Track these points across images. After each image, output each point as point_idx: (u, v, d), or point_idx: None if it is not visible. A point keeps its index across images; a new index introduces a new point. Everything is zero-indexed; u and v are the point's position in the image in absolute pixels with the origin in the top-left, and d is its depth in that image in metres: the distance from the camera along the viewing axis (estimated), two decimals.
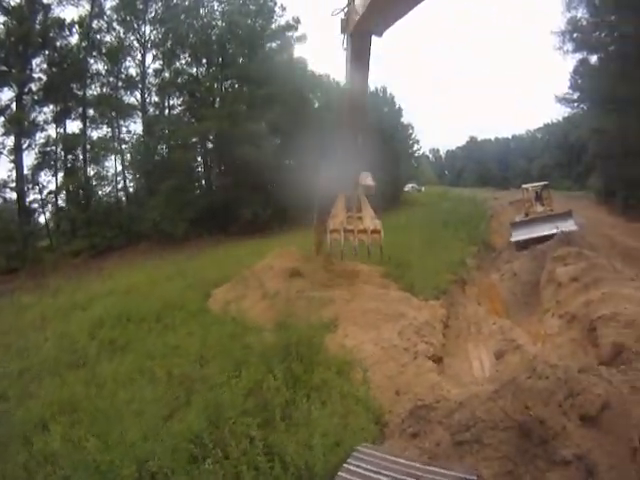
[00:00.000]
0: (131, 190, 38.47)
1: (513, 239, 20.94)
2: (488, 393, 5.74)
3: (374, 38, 7.66)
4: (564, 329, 10.63)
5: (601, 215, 31.32)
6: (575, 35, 31.97)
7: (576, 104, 43.07)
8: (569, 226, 20.04)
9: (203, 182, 38.43)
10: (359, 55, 8.23)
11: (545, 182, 27.17)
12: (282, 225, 31.16)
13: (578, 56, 34.96)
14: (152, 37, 37.17)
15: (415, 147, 47.07)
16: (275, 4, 39.03)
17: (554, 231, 19.31)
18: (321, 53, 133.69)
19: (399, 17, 6.56)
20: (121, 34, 36.63)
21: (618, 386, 5.82)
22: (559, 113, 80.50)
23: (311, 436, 5.45)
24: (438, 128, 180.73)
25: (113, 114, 36.60)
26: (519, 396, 5.29)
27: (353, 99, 9.04)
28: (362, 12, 6.88)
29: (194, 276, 16.15)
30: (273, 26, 39.02)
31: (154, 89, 37.87)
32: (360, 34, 7.73)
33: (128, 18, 36.30)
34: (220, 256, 21.54)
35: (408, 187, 48.14)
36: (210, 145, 37.94)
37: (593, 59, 34.36)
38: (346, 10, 8.31)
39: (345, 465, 4.70)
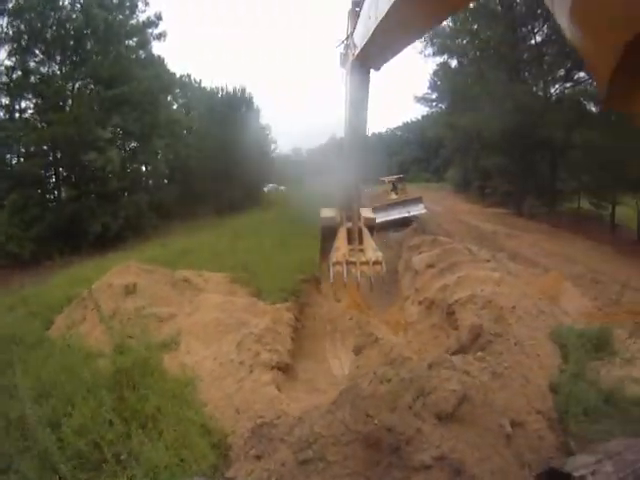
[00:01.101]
0: None
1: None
2: (327, 405, 5.04)
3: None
4: (424, 316, 10.57)
5: (458, 203, 33.58)
6: (436, 40, 33.86)
7: (434, 103, 46.82)
8: (419, 210, 23.22)
9: (54, 195, 34.49)
10: (358, 88, 8.22)
11: (400, 175, 31.04)
12: (136, 236, 28.94)
13: (438, 59, 37.53)
14: (8, 30, 31.95)
15: (272, 147, 46.58)
16: None
17: (406, 214, 22.27)
18: (185, 52, 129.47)
19: (397, 52, 6.43)
20: None
21: (477, 375, 5.53)
22: (418, 112, 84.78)
23: (145, 474, 4.83)
24: (302, 128, 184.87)
25: None
26: (359, 405, 4.71)
27: (353, 131, 8.97)
28: (360, 46, 6.51)
29: (38, 303, 14.33)
30: (133, 22, 35.63)
31: (5, 89, 33.17)
32: (358, 68, 7.79)
33: None
34: (69, 277, 19.49)
35: (269, 187, 47.78)
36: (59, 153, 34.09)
37: (453, 63, 37.35)
38: (345, 44, 8.52)
39: None
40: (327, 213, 10.75)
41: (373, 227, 10.72)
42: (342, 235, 9.62)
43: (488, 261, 12.73)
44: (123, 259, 15.43)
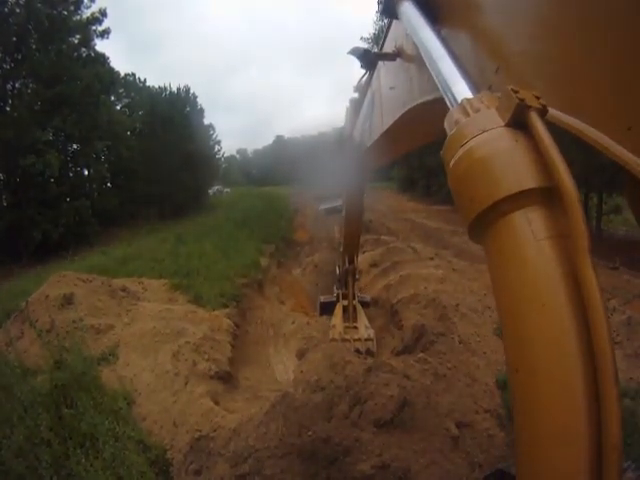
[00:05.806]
0: None
1: (321, 207, 23.03)
2: (260, 416, 4.87)
3: None
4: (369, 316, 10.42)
5: (403, 202, 33.79)
6: None
7: None
8: None
9: None
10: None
11: None
12: (78, 243, 27.50)
13: None
14: None
15: (217, 148, 45.45)
16: None
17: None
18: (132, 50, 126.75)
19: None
20: None
21: (418, 378, 5.46)
22: None
23: None
24: (248, 129, 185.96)
25: None
26: (291, 416, 4.55)
27: (349, 218, 9.27)
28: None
29: None
30: (77, 18, 33.36)
31: None
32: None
33: None
34: (8, 289, 18.39)
35: (213, 189, 46.90)
36: None
37: None
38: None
39: None
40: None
41: (368, 302, 11.09)
42: (338, 312, 9.98)
43: (432, 259, 12.81)
44: (64, 268, 14.83)
